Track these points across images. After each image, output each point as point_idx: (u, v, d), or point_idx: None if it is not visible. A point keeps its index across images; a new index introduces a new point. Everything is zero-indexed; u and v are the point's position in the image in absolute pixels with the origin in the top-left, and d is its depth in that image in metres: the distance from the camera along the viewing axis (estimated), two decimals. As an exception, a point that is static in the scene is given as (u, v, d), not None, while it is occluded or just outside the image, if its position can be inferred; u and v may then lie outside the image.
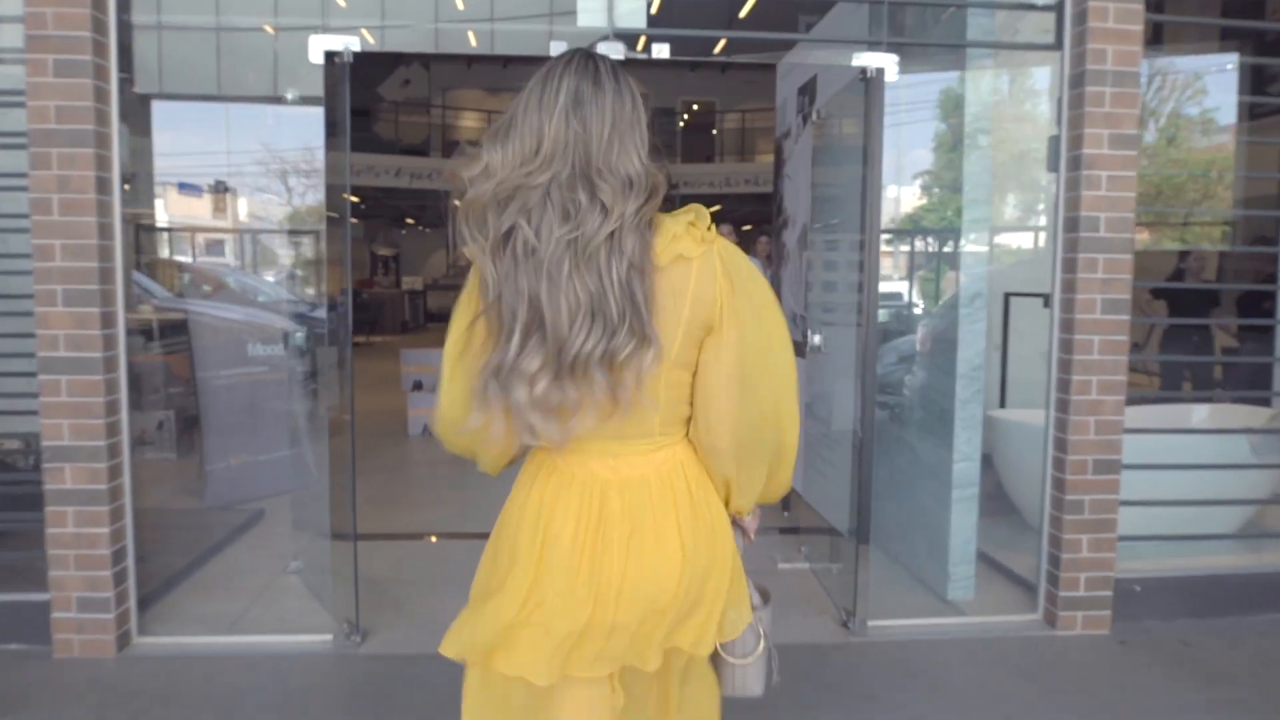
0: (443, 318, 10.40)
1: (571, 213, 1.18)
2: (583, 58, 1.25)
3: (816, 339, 4.09)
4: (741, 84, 20.53)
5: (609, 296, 1.17)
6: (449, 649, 1.34)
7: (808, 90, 4.50)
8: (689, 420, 1.34)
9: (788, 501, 5.20)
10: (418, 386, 7.31)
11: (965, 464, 3.68)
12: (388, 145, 17.56)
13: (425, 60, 19.92)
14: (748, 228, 27.09)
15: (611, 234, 1.18)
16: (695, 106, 20.49)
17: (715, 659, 1.46)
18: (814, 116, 4.21)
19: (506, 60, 19.79)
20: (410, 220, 24.05)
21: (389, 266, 24.05)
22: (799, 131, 4.67)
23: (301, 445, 5.57)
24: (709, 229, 1.27)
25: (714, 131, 20.37)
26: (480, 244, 1.22)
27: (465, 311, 1.30)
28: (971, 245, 3.65)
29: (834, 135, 3.94)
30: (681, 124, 20.32)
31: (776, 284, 5.17)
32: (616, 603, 1.27)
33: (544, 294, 1.18)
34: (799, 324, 4.63)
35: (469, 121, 19.60)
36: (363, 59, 3.15)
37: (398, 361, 7.69)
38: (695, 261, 1.24)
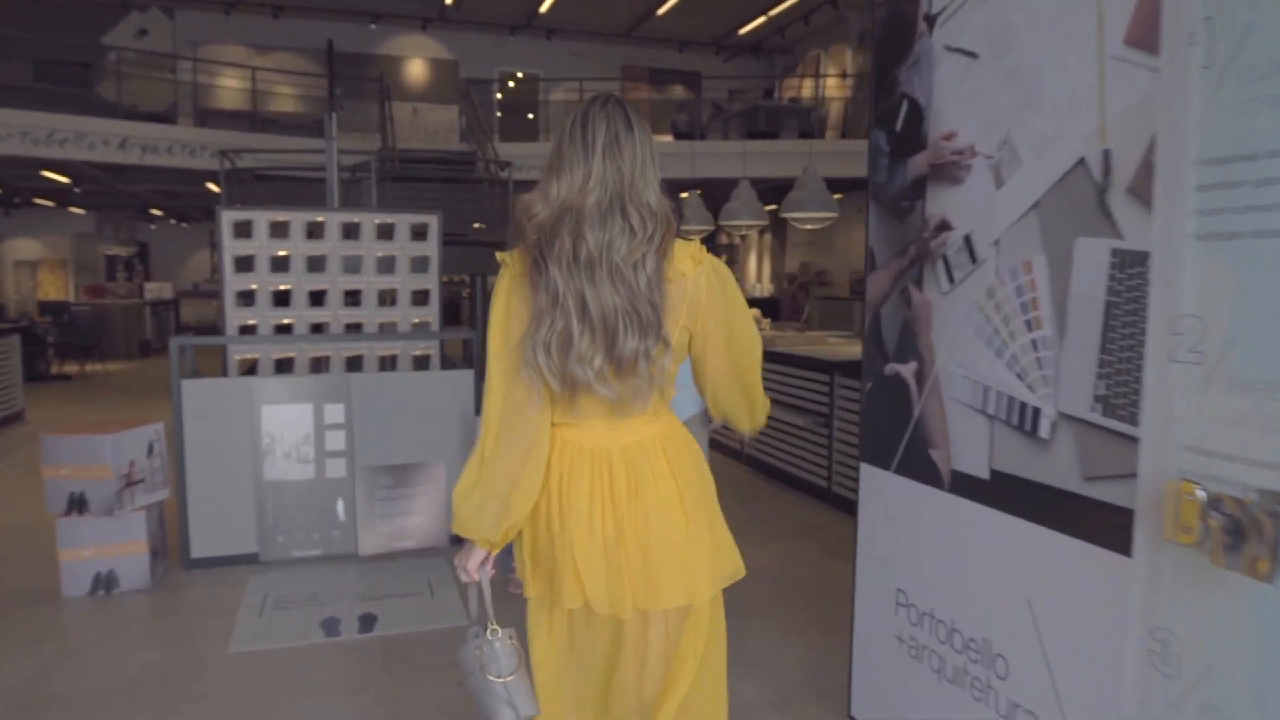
0: (203, 332, 7.31)
1: (609, 231, 1.50)
2: (615, 104, 1.56)
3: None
4: (568, 55, 17.52)
5: (639, 302, 1.50)
6: (531, 592, 1.69)
7: None
8: (669, 399, 1.67)
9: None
10: (79, 506, 3.77)
11: None
12: (112, 108, 13.18)
13: (168, 6, 15.56)
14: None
15: (639, 254, 1.51)
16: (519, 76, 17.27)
17: (484, 685, 1.62)
18: None
19: (276, 9, 15.80)
20: (158, 211, 19.29)
21: (131, 269, 19.22)
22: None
23: None
24: (703, 250, 1.60)
25: (530, 114, 17.16)
26: (549, 253, 1.51)
27: (505, 319, 1.59)
28: None
29: None
30: (499, 97, 16.99)
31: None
32: (633, 543, 1.58)
33: (588, 293, 1.49)
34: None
35: (231, 82, 15.39)
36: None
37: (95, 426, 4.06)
38: (690, 278, 1.57)
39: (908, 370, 2.13)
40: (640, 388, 1.54)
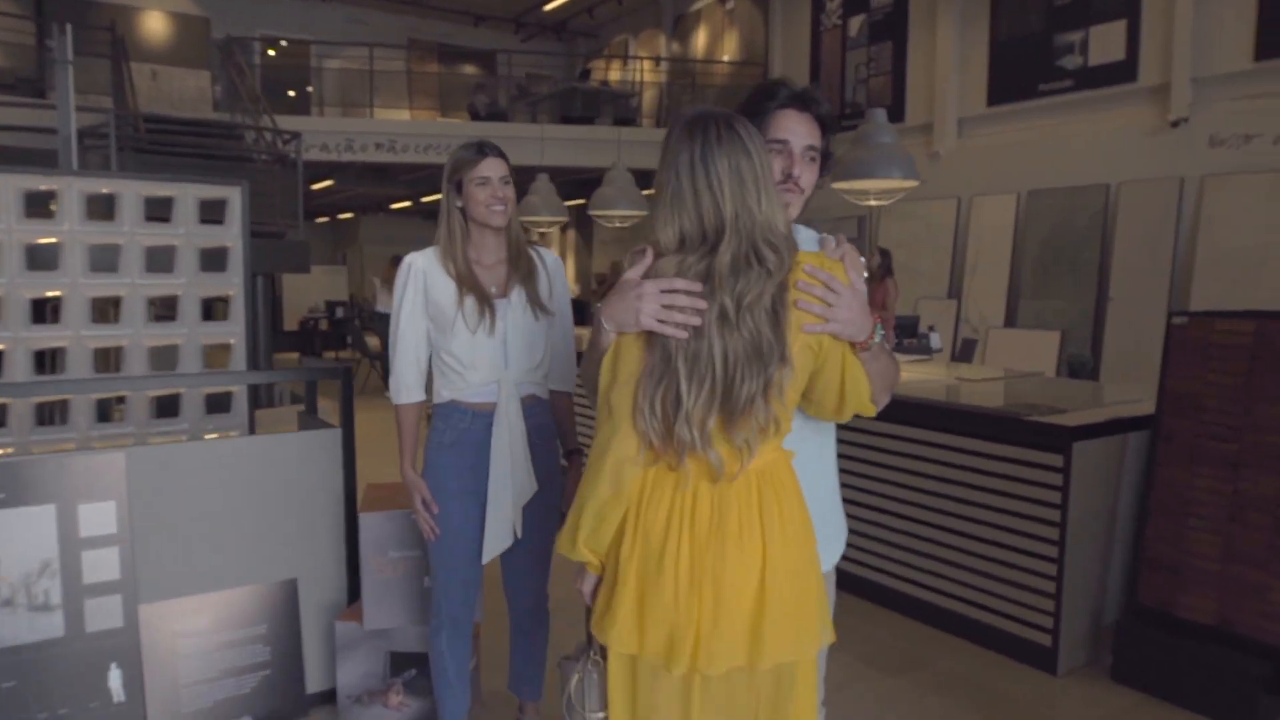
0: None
1: (746, 281, 1.37)
2: (727, 130, 1.39)
3: None
4: (344, 21, 15.29)
5: (762, 338, 1.37)
6: (616, 644, 1.46)
7: None
8: (779, 437, 1.47)
9: None
10: None
11: None
12: None
13: None
14: (346, 215, 21.29)
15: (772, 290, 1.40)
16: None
17: (571, 714, 1.59)
18: None
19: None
20: None
21: None
22: None
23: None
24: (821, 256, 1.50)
25: (294, 88, 14.67)
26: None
27: (623, 373, 1.43)
28: None
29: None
30: (259, 62, 14.38)
31: None
32: (707, 587, 1.39)
33: (715, 347, 1.36)
34: None
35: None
36: None
37: None
38: (792, 290, 1.43)
39: None
40: (750, 440, 1.39)
